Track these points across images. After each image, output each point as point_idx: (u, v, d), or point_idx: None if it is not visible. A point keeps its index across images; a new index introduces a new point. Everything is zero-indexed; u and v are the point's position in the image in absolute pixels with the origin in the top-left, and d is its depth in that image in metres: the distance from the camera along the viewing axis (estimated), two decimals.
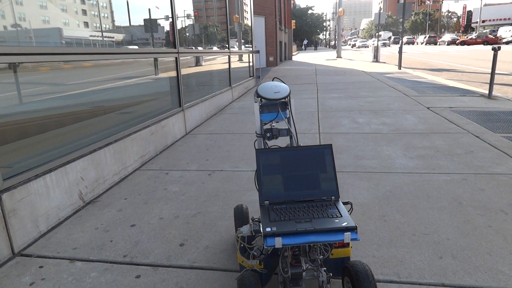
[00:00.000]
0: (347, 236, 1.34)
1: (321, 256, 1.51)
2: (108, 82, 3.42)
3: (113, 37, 3.65)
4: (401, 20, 15.06)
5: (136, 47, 4.06)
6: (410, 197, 2.77)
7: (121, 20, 3.76)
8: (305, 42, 54.54)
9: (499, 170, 3.21)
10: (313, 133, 4.80)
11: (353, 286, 1.47)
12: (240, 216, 2.05)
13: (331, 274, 1.57)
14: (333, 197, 1.58)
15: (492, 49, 6.90)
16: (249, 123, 5.52)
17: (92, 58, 3.14)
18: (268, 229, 1.37)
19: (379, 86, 9.13)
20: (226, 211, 2.66)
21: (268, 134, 1.87)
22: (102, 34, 3.44)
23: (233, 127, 5.35)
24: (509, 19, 63.83)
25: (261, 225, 1.45)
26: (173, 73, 4.80)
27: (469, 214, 2.47)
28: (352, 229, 1.36)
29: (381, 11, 18.21)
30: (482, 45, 41.18)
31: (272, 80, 1.98)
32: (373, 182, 3.08)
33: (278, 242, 1.33)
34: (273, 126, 1.89)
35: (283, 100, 1.86)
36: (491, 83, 6.95)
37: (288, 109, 1.89)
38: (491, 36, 44.61)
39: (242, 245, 1.68)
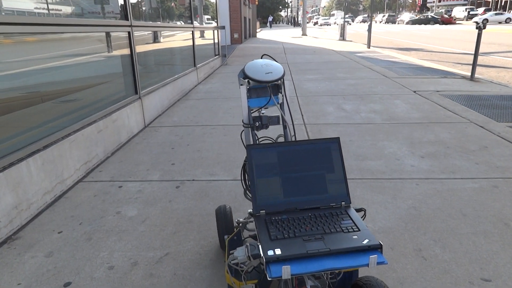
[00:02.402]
0: (372, 260, 1.05)
1: (330, 276, 1.26)
2: (40, 62, 2.47)
3: (57, 9, 2.67)
4: None
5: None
6: (442, 216, 2.16)
7: None
8: (270, 19, 52.79)
9: None
10: (297, 124, 4.10)
11: None
12: (224, 219, 1.77)
13: None
14: (343, 202, 1.30)
15: (477, 28, 6.48)
16: (221, 112, 4.71)
17: (17, 30, 2.18)
18: (271, 253, 1.07)
19: (354, 67, 8.57)
20: (205, 250, 1.91)
21: (257, 123, 1.58)
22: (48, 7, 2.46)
23: (201, 116, 4.52)
24: None
25: (260, 247, 1.12)
26: (126, 52, 3.85)
27: None
28: (376, 248, 1.08)
29: None
30: (438, 25, 42.20)
31: (261, 58, 1.67)
32: (388, 194, 2.45)
33: (286, 271, 1.02)
34: (263, 113, 1.60)
35: (275, 82, 1.56)
36: (474, 65, 6.57)
37: (281, 93, 1.60)
38: (446, 16, 45.82)
39: (233, 267, 1.31)
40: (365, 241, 1.11)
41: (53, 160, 2.48)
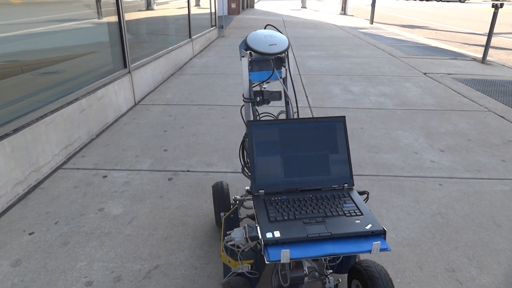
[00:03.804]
0: (375, 246, 1.01)
1: (329, 261, 1.28)
2: (18, 28, 2.08)
3: None
4: None
5: None
6: (472, 226, 1.89)
7: None
8: None
9: None
10: (301, 107, 3.77)
11: None
12: (221, 196, 1.71)
13: (339, 280, 1.30)
14: (346, 184, 1.27)
15: (493, 6, 6.07)
16: (218, 89, 4.34)
17: None
18: (269, 235, 1.03)
19: (359, 44, 8.14)
20: (202, 263, 1.62)
21: (258, 98, 1.49)
22: None
23: (197, 94, 4.15)
24: None
25: (258, 228, 1.08)
26: (113, 20, 3.42)
27: None
28: (379, 234, 1.05)
29: None
30: (440, 2, 41.12)
31: (265, 28, 1.58)
32: (409, 195, 2.16)
33: (285, 255, 0.98)
34: (264, 88, 1.52)
35: (279, 55, 1.47)
36: (487, 46, 6.22)
37: (284, 66, 1.52)
38: None
39: (230, 248, 1.27)
40: (368, 226, 1.07)
41: (25, 145, 2.13)
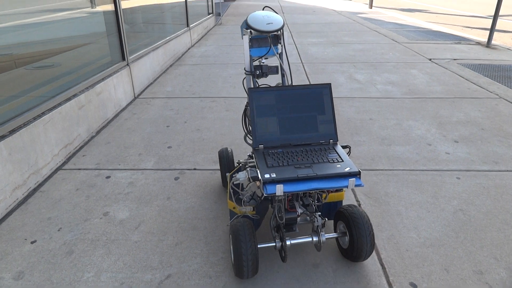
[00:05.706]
0: (351, 182, 1.27)
1: (317, 202, 1.48)
2: (1, 20, 1.94)
3: None
4: None
5: None
6: (496, 223, 1.81)
7: None
8: None
9: None
10: None
11: (349, 231, 1.47)
12: (226, 159, 1.96)
13: (326, 219, 1.49)
14: (331, 140, 1.50)
15: None
16: (220, 80, 4.20)
17: None
18: (267, 176, 1.28)
19: (360, 29, 7.96)
20: (217, 271, 1.53)
21: (257, 72, 1.67)
22: None
23: (198, 86, 4.01)
24: None
25: (258, 171, 1.32)
26: (109, 8, 3.26)
27: None
28: (355, 175, 1.30)
29: None
30: None
31: (263, 9, 1.75)
32: (427, 191, 2.07)
33: (280, 189, 1.24)
34: (263, 62, 1.70)
35: (275, 33, 1.66)
36: (492, 30, 6.07)
37: (280, 43, 1.69)
38: None
39: (233, 190, 1.61)
40: (347, 169, 1.30)
41: (23, 147, 2.02)
